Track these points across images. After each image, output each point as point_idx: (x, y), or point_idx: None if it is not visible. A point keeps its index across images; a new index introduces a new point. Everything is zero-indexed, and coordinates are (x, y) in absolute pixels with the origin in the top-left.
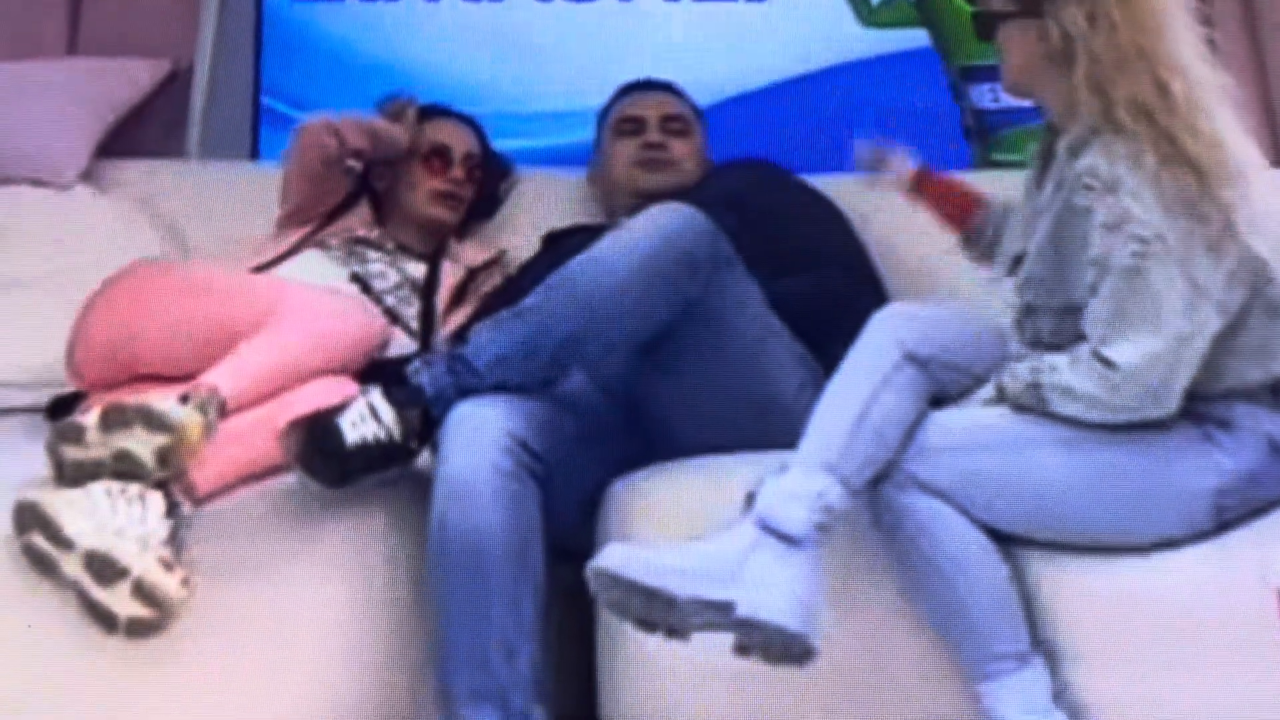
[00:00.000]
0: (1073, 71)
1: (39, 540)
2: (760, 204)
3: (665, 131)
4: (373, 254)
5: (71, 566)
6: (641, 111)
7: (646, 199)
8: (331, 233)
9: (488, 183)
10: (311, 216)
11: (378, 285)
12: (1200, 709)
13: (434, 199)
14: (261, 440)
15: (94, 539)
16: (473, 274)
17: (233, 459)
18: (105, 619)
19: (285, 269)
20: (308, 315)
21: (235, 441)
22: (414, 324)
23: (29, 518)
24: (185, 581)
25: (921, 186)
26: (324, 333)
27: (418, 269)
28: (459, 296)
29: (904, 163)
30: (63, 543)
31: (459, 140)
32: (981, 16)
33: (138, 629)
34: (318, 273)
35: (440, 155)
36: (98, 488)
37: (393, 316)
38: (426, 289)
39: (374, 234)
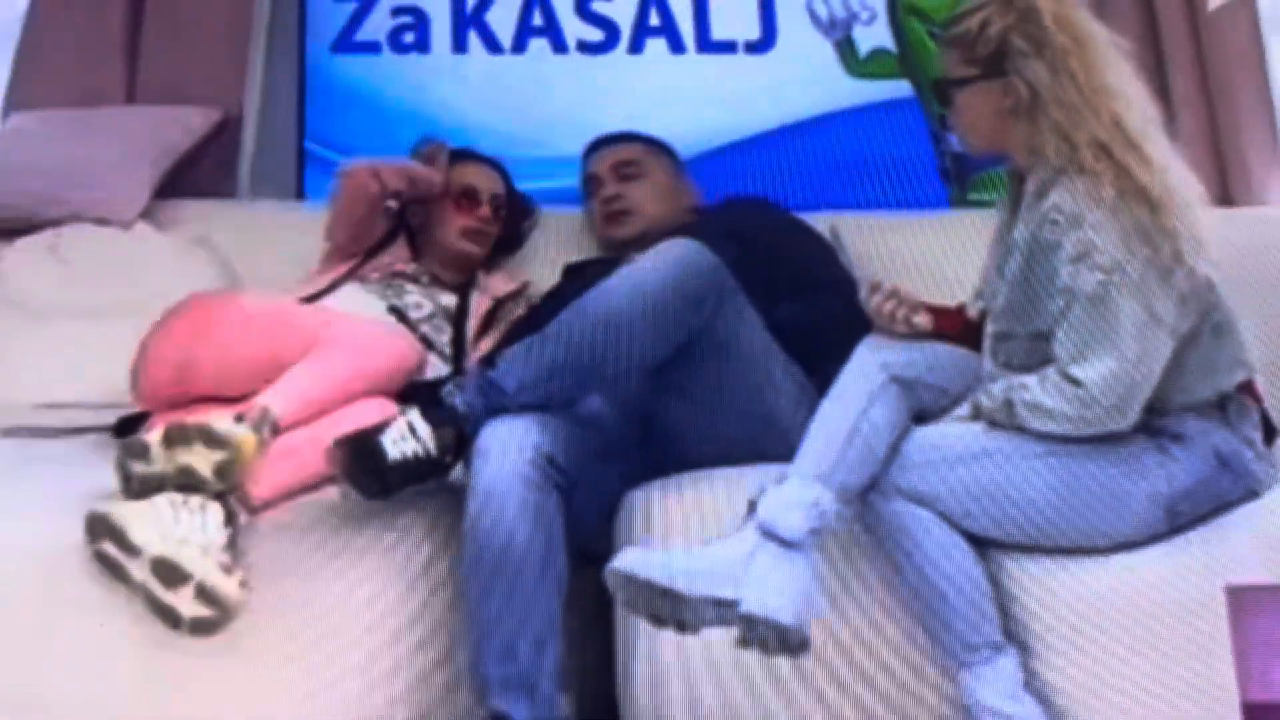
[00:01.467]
0: (1038, 121)
1: (109, 548)
2: (759, 238)
3: (619, 181)
4: (409, 287)
5: (139, 571)
6: (596, 170)
7: (622, 247)
8: (372, 268)
9: (513, 220)
10: (354, 253)
11: (413, 315)
12: (1156, 693)
13: (464, 235)
14: (311, 456)
15: (160, 546)
16: (499, 303)
17: (285, 473)
18: (171, 619)
19: (329, 301)
20: (351, 343)
21: (287, 457)
22: (447, 349)
23: (100, 527)
24: (243, 584)
25: (941, 326)
26: (366, 359)
27: (449, 299)
28: (487, 324)
29: (923, 319)
30: (131, 550)
31: (486, 182)
32: (942, 85)
33: (200, 627)
34: (359, 305)
35: (469, 195)
36: (162, 500)
37: (427, 343)
38: (458, 318)
39: (410, 268)
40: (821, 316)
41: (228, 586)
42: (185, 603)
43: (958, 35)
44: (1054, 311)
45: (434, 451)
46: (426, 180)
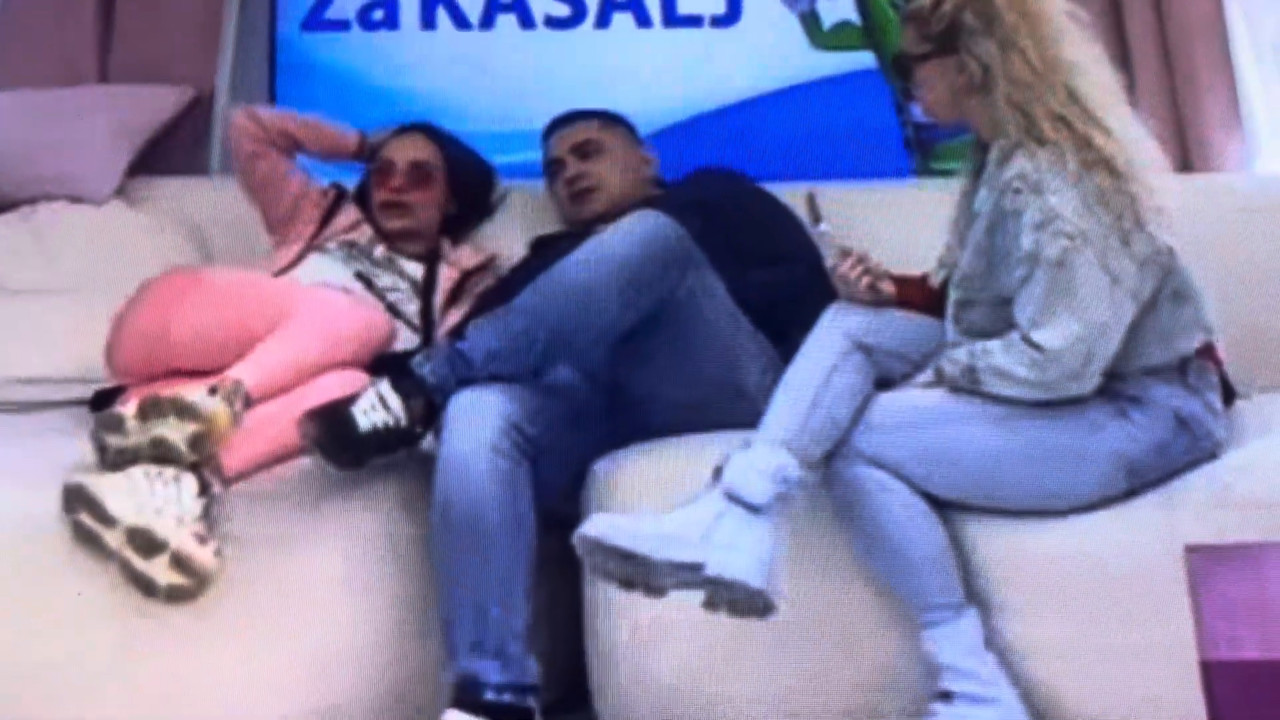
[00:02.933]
0: (993, 96)
1: (85, 519)
2: (724, 209)
3: (579, 160)
4: (368, 257)
5: (115, 541)
6: (557, 153)
7: (588, 224)
8: (326, 237)
9: (462, 188)
10: (286, 221)
11: (379, 283)
12: (1116, 651)
13: (382, 209)
14: (284, 428)
15: (135, 517)
16: (466, 276)
17: (258, 444)
18: (146, 587)
19: (298, 273)
20: (321, 314)
21: (261, 429)
22: (415, 320)
23: (76, 498)
24: (217, 552)
25: (904, 294)
26: (336, 330)
27: (416, 270)
28: (454, 296)
29: (887, 287)
30: (107, 520)
31: (402, 152)
32: (899, 59)
33: (176, 595)
34: (326, 273)
35: (384, 169)
36: (137, 471)
37: (394, 312)
38: (425, 289)
39: (363, 238)
40: (787, 286)
41: (202, 555)
42: (161, 571)
43: (914, 11)
44: (1015, 278)
45: (404, 422)
46: (332, 130)
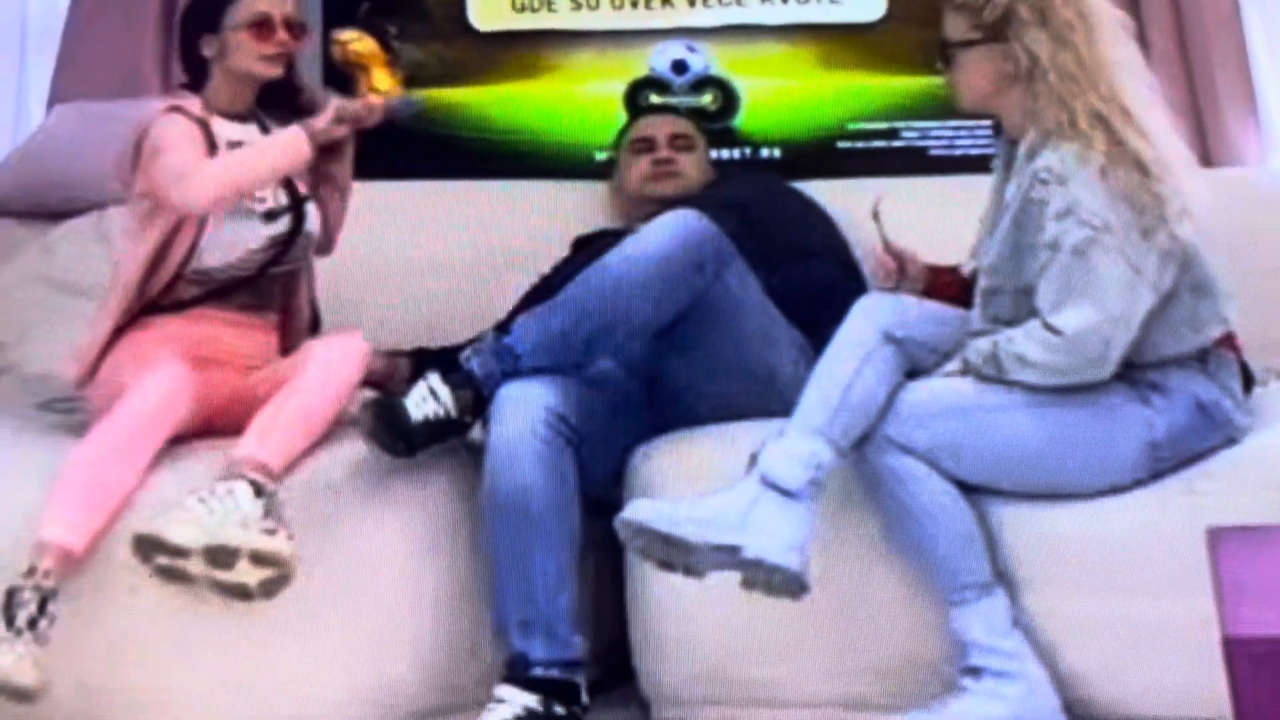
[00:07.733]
0: (1036, 87)
1: (163, 560)
2: (759, 208)
3: (673, 147)
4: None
5: (196, 567)
6: (652, 132)
7: (658, 205)
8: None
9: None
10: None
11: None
12: (1136, 627)
13: (263, 60)
14: (309, 420)
15: (204, 538)
16: None
17: (290, 439)
18: (241, 593)
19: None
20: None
21: (290, 425)
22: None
23: (148, 547)
24: (290, 537)
25: (935, 284)
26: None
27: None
28: None
29: (918, 269)
30: (182, 553)
31: (276, 5)
32: (946, 45)
33: (270, 588)
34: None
35: (265, 23)
36: (190, 499)
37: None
38: None
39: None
40: (818, 281)
41: (276, 544)
42: (246, 574)
43: (967, 1)
44: (1038, 265)
45: (454, 412)
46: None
